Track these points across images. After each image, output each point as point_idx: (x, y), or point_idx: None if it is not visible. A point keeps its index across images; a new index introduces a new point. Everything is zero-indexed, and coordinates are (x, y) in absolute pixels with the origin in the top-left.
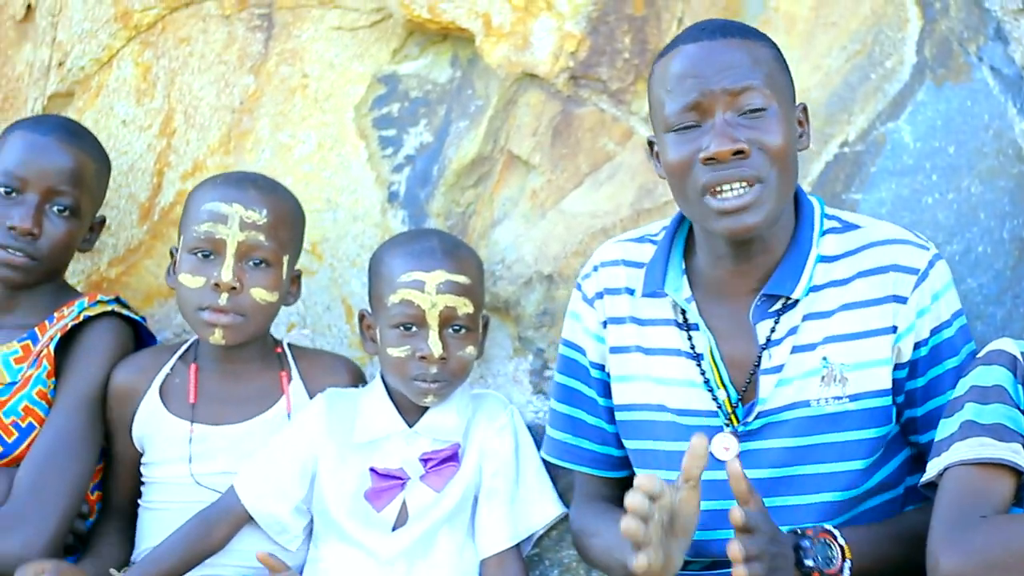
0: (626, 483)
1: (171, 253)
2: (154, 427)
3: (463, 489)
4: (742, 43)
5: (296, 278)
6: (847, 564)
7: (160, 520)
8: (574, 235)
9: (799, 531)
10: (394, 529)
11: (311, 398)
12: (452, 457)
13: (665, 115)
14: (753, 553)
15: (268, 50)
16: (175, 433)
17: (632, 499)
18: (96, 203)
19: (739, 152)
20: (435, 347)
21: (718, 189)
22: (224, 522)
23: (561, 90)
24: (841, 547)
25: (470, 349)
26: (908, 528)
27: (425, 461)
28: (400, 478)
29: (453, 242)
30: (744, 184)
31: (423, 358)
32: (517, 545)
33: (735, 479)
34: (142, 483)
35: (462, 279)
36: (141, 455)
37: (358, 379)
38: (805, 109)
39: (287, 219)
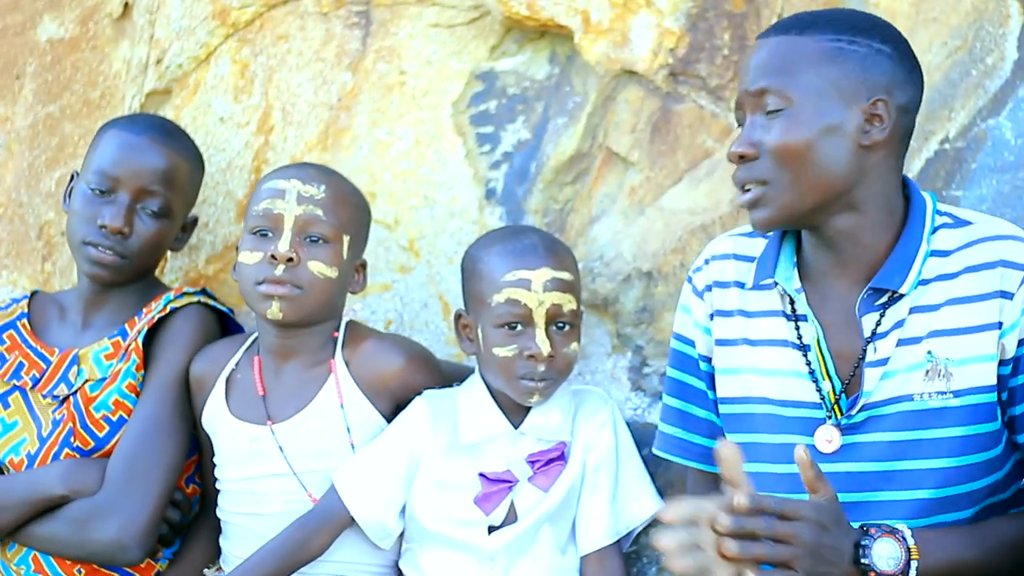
0: None
1: (236, 249)
2: (218, 425)
3: (568, 486)
4: (776, 42)
5: (362, 266)
6: (914, 564)
7: (233, 530)
8: (673, 232)
9: (864, 528)
10: (500, 527)
11: (356, 381)
12: (559, 457)
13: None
14: (785, 536)
15: (366, 47)
16: (234, 435)
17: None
18: (188, 203)
19: (742, 157)
20: (543, 345)
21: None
22: (326, 528)
23: (660, 87)
24: (908, 548)
25: (574, 346)
26: (993, 535)
27: (532, 462)
28: (508, 481)
29: (551, 239)
30: (748, 186)
31: (531, 357)
32: (617, 541)
33: (804, 466)
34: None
35: (566, 276)
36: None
37: (414, 357)
38: (886, 103)
39: (346, 198)
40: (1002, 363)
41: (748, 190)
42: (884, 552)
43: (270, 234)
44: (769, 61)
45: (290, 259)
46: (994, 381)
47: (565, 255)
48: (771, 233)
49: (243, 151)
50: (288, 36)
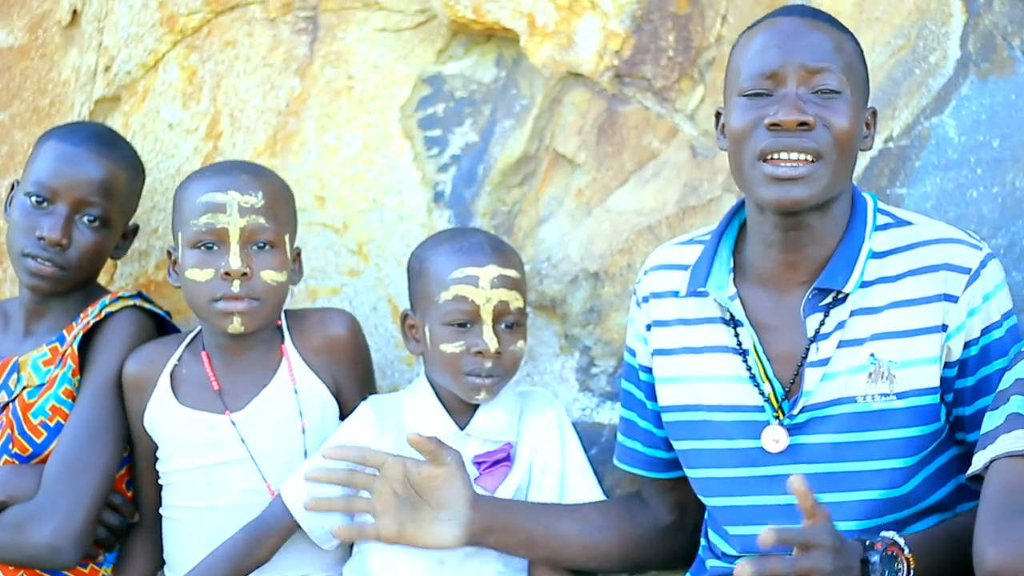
0: (676, 483)
1: (168, 253)
2: (166, 418)
3: (515, 487)
4: (829, 29)
5: (297, 256)
6: (912, 573)
7: (182, 527)
8: (619, 233)
9: (867, 543)
10: None
11: (306, 362)
12: (505, 458)
13: (740, 80)
14: (809, 570)
15: (313, 52)
16: (188, 425)
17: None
18: (127, 213)
19: (804, 124)
20: (491, 341)
21: (775, 156)
22: (273, 534)
23: (606, 89)
24: (907, 559)
25: (520, 344)
26: (963, 528)
27: (479, 463)
28: None
29: (497, 239)
30: (803, 156)
31: (479, 353)
32: None
33: (801, 495)
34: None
35: (513, 273)
36: (156, 449)
37: (356, 329)
38: (875, 113)
39: (281, 197)
40: (947, 365)
41: (792, 160)
42: (887, 568)
43: (215, 247)
44: (829, 44)
45: (244, 273)
46: (937, 383)
47: (511, 254)
48: (709, 237)
49: (192, 157)
50: (236, 42)
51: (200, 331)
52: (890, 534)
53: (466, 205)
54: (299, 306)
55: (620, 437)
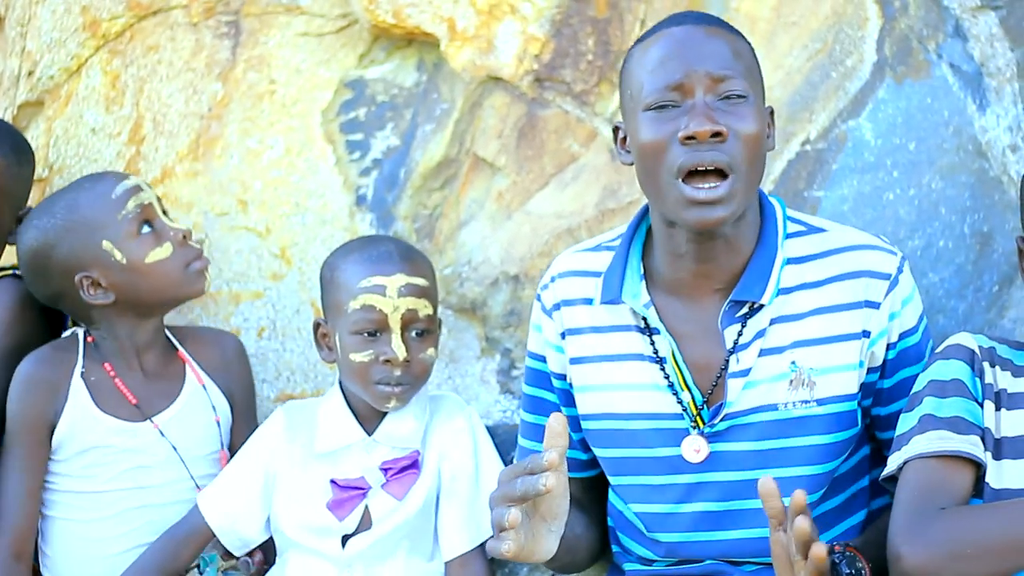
0: (593, 482)
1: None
2: (86, 427)
3: (424, 495)
4: (726, 34)
5: None
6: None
7: (99, 531)
8: (540, 236)
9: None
10: (354, 534)
11: (207, 373)
12: (412, 465)
13: (644, 94)
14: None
15: (235, 57)
16: (111, 433)
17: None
18: (13, 199)
19: (717, 134)
20: (399, 350)
21: (694, 175)
22: (191, 542)
23: (526, 92)
24: (864, 560)
25: (431, 351)
26: (883, 529)
27: (386, 470)
28: (361, 488)
29: (406, 246)
30: (717, 182)
31: (387, 362)
32: (481, 545)
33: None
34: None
35: (421, 281)
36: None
37: (241, 353)
38: (772, 112)
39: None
40: (870, 370)
41: (708, 184)
42: (851, 566)
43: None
44: (729, 50)
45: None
46: (856, 389)
47: (420, 262)
48: (619, 244)
49: (115, 161)
50: (158, 47)
51: (87, 337)
52: (847, 541)
53: (388, 209)
54: (223, 310)
55: (528, 443)
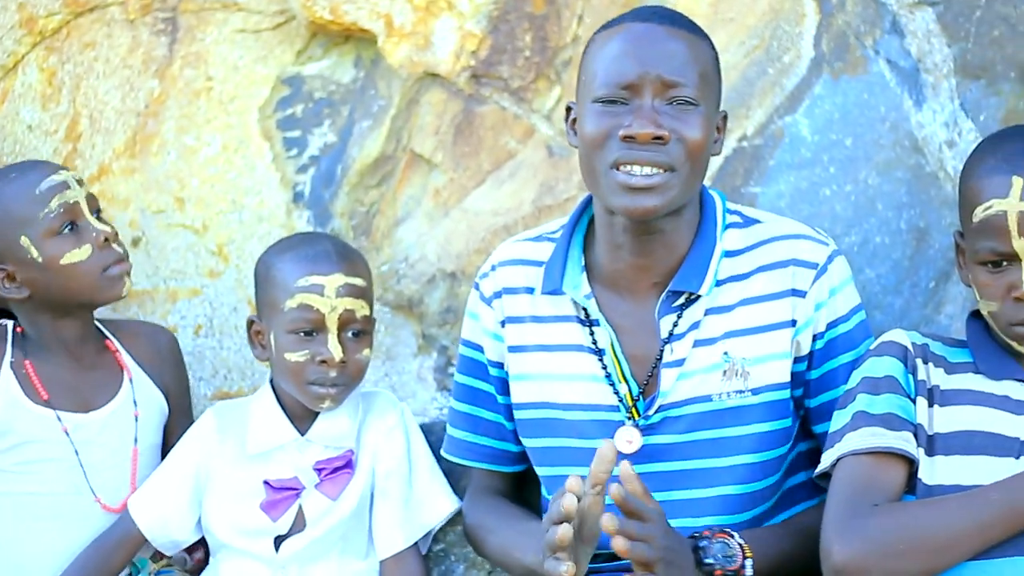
0: (520, 478)
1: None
2: (14, 416)
3: (359, 495)
4: (687, 36)
5: None
6: (748, 562)
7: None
8: (476, 233)
9: (696, 534)
10: (288, 535)
11: (141, 367)
12: (346, 465)
13: (595, 86)
14: (650, 557)
15: (172, 54)
16: (39, 423)
17: (568, 503)
18: None
19: (659, 139)
20: (335, 351)
21: (628, 166)
22: (122, 548)
23: (463, 89)
24: (740, 545)
25: (366, 352)
26: (807, 524)
27: (319, 470)
28: (295, 488)
29: (344, 245)
30: (655, 168)
31: (323, 362)
32: (416, 543)
33: (628, 480)
34: None
35: (359, 282)
36: None
37: (175, 349)
38: (725, 117)
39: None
40: (797, 360)
41: (644, 171)
42: (721, 551)
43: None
44: (687, 54)
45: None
46: (788, 378)
47: (358, 261)
48: (560, 236)
49: (52, 158)
50: (95, 43)
51: (15, 334)
52: (718, 526)
53: (325, 206)
54: (159, 307)
55: (458, 432)
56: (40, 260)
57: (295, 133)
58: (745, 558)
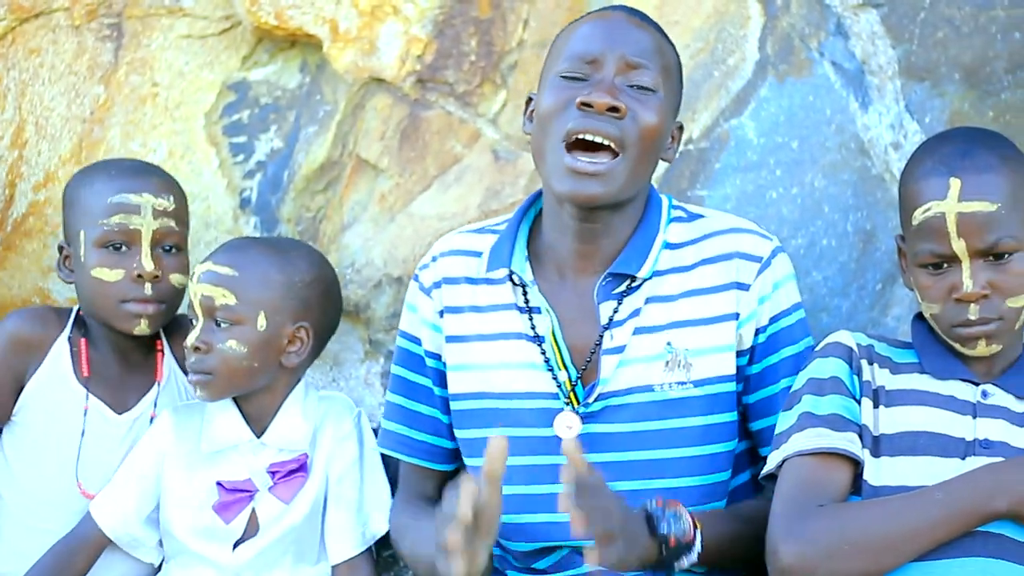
0: (450, 478)
1: (60, 248)
2: (52, 394)
3: (312, 499)
4: (654, 32)
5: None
6: (698, 534)
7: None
8: (422, 238)
9: (645, 503)
10: (243, 540)
11: (179, 366)
12: (300, 468)
13: (559, 62)
14: (611, 531)
15: (118, 60)
16: (74, 404)
17: (464, 508)
18: None
19: (615, 109)
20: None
21: (579, 140)
22: (84, 549)
23: (408, 94)
24: (691, 517)
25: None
26: (752, 512)
27: (273, 473)
28: (248, 490)
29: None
30: (602, 158)
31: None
32: (369, 549)
33: (571, 455)
34: None
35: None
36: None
37: None
38: (681, 128)
39: (185, 202)
40: (739, 353)
41: (593, 158)
42: (675, 523)
43: (124, 248)
44: (652, 44)
45: (156, 276)
46: (733, 371)
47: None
48: (507, 226)
49: None
50: (40, 50)
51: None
52: (665, 499)
53: (271, 211)
54: None
55: (393, 425)
56: (82, 259)
57: (241, 139)
58: (695, 529)
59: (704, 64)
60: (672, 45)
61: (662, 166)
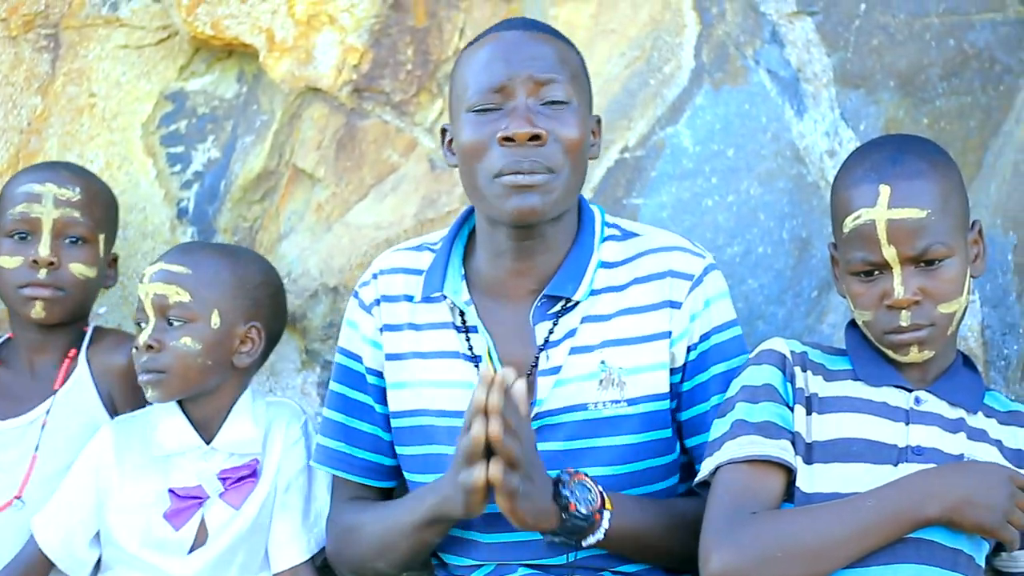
0: (390, 494)
1: None
2: None
3: (260, 504)
4: (553, 40)
5: (114, 261)
6: (607, 513)
7: None
8: (358, 247)
9: (558, 474)
10: (192, 549)
11: (92, 377)
12: (251, 473)
13: (467, 96)
14: (517, 455)
15: (55, 70)
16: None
17: (479, 394)
18: None
19: (536, 137)
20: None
21: (511, 176)
22: (30, 571)
23: (344, 103)
24: (601, 494)
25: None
26: (681, 510)
27: (224, 479)
28: (198, 497)
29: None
30: (540, 171)
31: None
32: (312, 558)
33: (519, 399)
34: None
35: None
36: None
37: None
38: (599, 121)
39: (100, 198)
40: (673, 371)
41: (534, 173)
42: (580, 491)
43: (28, 237)
44: (555, 55)
45: (51, 263)
46: (667, 389)
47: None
48: (441, 246)
49: None
50: None
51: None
52: (576, 469)
53: (209, 221)
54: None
55: (331, 442)
56: None
57: (179, 149)
58: (604, 507)
59: (640, 72)
60: (571, 45)
61: (598, 175)
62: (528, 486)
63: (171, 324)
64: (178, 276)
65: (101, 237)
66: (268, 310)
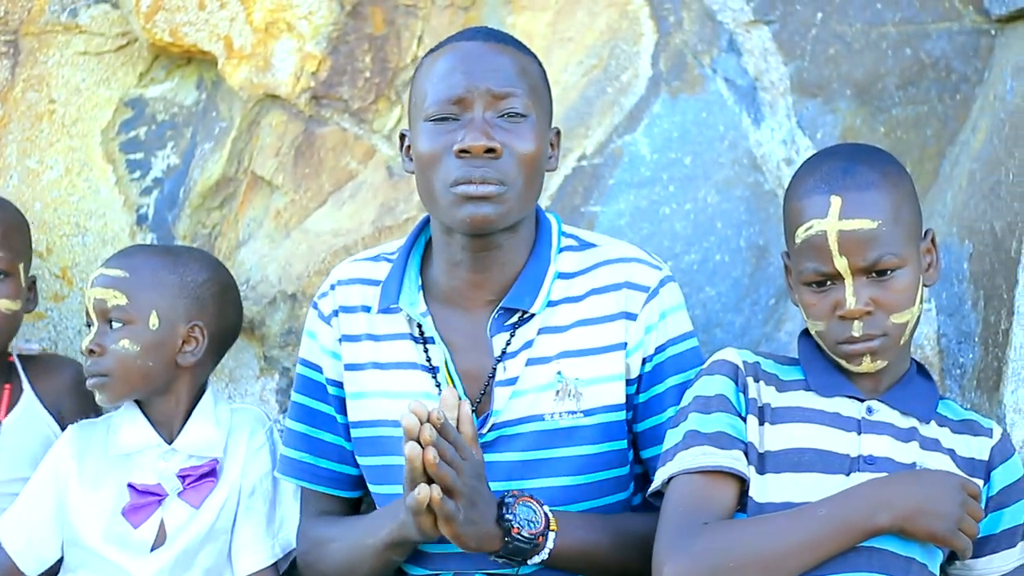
0: (358, 504)
1: None
2: None
3: (221, 505)
4: (513, 52)
5: (32, 283)
6: (552, 534)
7: None
8: (317, 254)
9: (503, 496)
10: (153, 549)
11: (42, 402)
12: (210, 473)
13: (426, 105)
14: (453, 483)
15: (14, 77)
16: None
17: (409, 421)
18: None
19: (491, 151)
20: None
21: (465, 183)
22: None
23: (303, 110)
24: (546, 515)
25: (124, 343)
26: (626, 528)
27: (183, 477)
28: (158, 494)
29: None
30: (492, 182)
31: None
32: (275, 564)
33: (463, 421)
34: None
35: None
36: None
37: (79, 380)
38: (559, 133)
39: (15, 227)
40: (629, 382)
41: (488, 184)
42: (524, 514)
43: None
44: (514, 68)
45: None
46: (623, 400)
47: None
48: (398, 256)
49: None
50: None
51: None
52: (524, 491)
53: (168, 228)
54: None
55: (295, 453)
56: None
57: (138, 155)
58: (548, 528)
59: (597, 80)
60: (533, 56)
61: (555, 183)
62: (470, 511)
63: (112, 327)
64: (115, 280)
65: (21, 267)
66: (213, 309)
